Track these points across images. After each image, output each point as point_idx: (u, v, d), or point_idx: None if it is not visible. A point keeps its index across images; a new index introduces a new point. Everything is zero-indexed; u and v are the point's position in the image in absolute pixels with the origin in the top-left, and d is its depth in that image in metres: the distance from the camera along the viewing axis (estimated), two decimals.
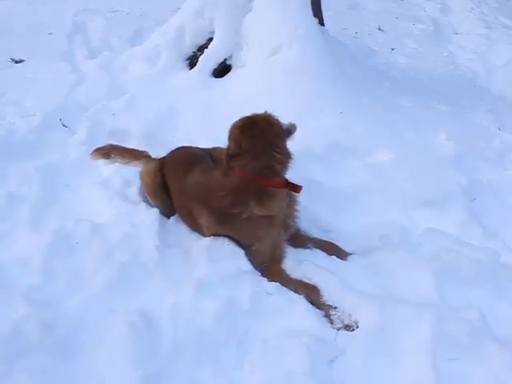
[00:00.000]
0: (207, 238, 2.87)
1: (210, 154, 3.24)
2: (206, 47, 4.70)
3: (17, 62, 5.34)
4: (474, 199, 3.57)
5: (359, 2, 7.94)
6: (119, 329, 2.35)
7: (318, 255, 2.92)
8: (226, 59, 4.59)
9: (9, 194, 3.27)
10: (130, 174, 3.48)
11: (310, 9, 4.54)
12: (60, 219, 3.07)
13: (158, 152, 3.42)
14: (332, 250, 2.95)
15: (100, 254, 2.76)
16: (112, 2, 7.10)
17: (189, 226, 3.00)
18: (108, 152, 3.67)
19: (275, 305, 2.54)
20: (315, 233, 3.07)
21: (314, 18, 4.57)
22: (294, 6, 4.37)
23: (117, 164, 3.61)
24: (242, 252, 2.84)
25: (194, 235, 2.96)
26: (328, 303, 2.56)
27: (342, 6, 7.47)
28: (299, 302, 2.56)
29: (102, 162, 3.69)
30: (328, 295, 2.60)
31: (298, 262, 2.81)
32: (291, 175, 3.44)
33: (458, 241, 3.08)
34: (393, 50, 6.19)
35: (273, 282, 2.67)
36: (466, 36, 7.25)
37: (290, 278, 2.69)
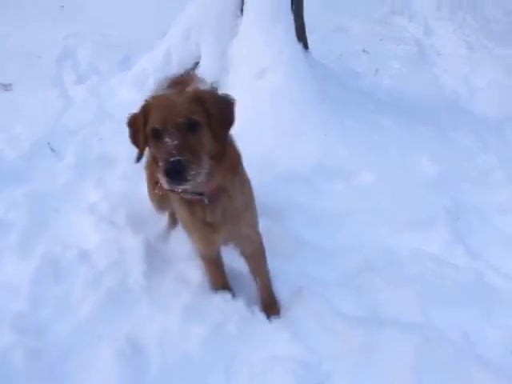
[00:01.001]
0: (194, 263, 2.90)
1: None
2: (193, 71, 4.78)
3: (5, 85, 5.36)
4: (458, 218, 3.62)
5: (344, 24, 8.06)
6: (107, 355, 2.38)
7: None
8: (212, 83, 4.66)
9: None
10: (118, 198, 3.50)
11: (294, 33, 4.63)
12: (48, 245, 3.08)
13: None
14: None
15: (87, 280, 2.79)
16: (101, 26, 7.16)
17: None
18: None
19: (262, 330, 2.57)
20: (299, 253, 3.10)
21: (298, 42, 4.66)
22: (278, 30, 4.46)
23: (104, 189, 3.63)
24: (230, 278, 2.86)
25: (182, 261, 2.97)
26: None
27: (327, 29, 7.58)
28: (285, 327, 2.58)
29: (90, 186, 3.72)
30: (315, 317, 2.63)
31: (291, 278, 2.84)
32: (276, 198, 3.51)
33: (443, 261, 3.12)
34: (377, 71, 6.28)
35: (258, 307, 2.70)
36: (448, 57, 7.37)
37: None
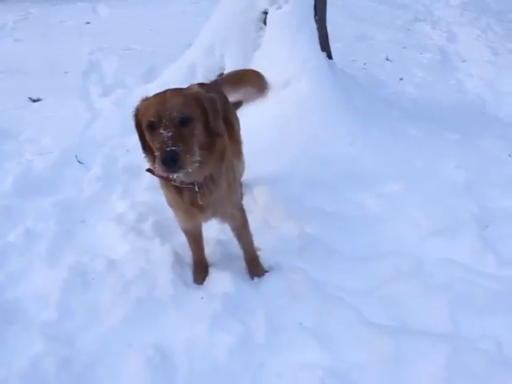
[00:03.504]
0: (221, 272, 2.91)
1: None
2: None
3: (34, 100, 5.50)
4: (487, 227, 3.55)
5: (367, 33, 8.06)
6: (135, 364, 2.39)
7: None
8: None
9: (26, 231, 3.36)
10: (145, 208, 3.55)
11: (318, 43, 4.65)
12: (76, 255, 3.13)
13: None
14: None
15: (116, 289, 2.82)
16: (125, 40, 7.31)
17: None
18: None
19: (290, 339, 2.54)
20: (327, 261, 3.09)
21: (321, 52, 4.67)
22: (301, 41, 4.48)
23: (131, 199, 3.68)
24: (256, 286, 2.88)
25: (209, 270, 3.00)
26: None
27: (351, 37, 7.61)
28: (313, 336, 2.55)
29: (116, 196, 3.78)
30: (344, 326, 2.61)
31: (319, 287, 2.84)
32: (302, 206, 3.51)
33: (472, 270, 3.06)
34: (401, 79, 6.26)
35: (286, 316, 2.69)
36: (473, 63, 7.30)
37: None
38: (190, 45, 5.50)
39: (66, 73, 6.24)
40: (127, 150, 4.33)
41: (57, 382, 2.33)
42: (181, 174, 2.24)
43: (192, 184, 2.43)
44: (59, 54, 6.90)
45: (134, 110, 2.35)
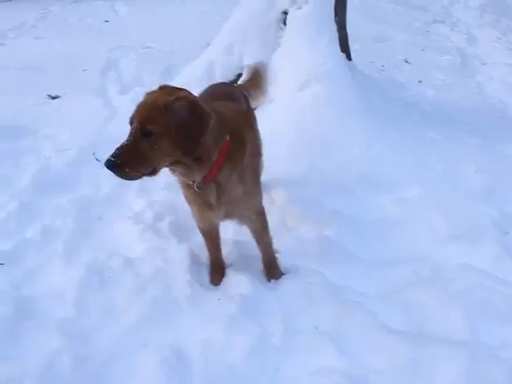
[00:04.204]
0: (238, 273, 2.89)
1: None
2: (236, 83, 4.81)
3: (53, 97, 5.53)
4: (507, 233, 3.50)
5: (385, 34, 8.00)
6: (151, 364, 2.38)
7: None
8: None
9: (44, 227, 3.37)
10: (162, 207, 3.54)
11: (338, 44, 4.62)
12: (93, 253, 3.13)
13: None
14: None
15: (132, 288, 2.81)
16: (144, 39, 7.34)
17: None
18: None
19: (306, 342, 2.52)
20: (345, 265, 3.07)
21: (341, 53, 4.64)
22: (321, 42, 4.46)
23: (148, 198, 3.68)
24: (273, 288, 2.85)
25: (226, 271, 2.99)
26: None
27: (369, 39, 7.55)
28: (331, 340, 2.53)
29: (133, 195, 3.78)
30: (361, 330, 2.58)
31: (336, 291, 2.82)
32: (320, 209, 3.48)
33: (491, 276, 3.01)
34: (420, 82, 6.20)
35: (303, 319, 2.67)
36: (493, 66, 7.21)
37: None
38: (209, 44, 5.50)
39: (84, 70, 6.27)
40: None
41: (72, 380, 2.32)
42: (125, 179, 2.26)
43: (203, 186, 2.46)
44: (78, 51, 6.94)
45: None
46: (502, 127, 5.10)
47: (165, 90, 2.32)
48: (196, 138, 2.21)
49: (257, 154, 3.18)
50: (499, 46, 8.04)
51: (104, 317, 2.67)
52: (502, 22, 9.20)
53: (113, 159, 2.10)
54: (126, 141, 2.14)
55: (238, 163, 2.51)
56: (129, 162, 2.12)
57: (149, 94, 2.31)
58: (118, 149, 2.12)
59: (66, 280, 2.89)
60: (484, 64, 7.38)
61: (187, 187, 2.55)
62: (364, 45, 6.98)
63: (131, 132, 2.16)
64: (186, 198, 2.68)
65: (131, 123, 2.18)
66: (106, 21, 8.80)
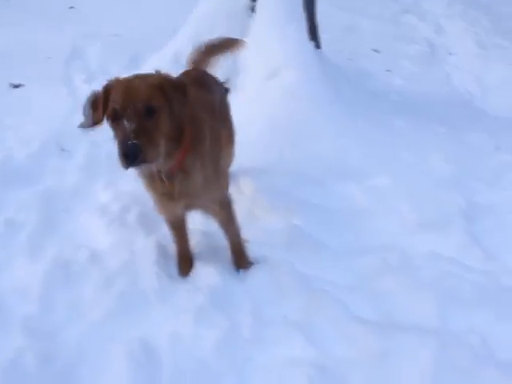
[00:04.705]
0: (207, 265, 2.86)
1: None
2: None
3: (15, 86, 5.37)
4: (474, 220, 3.56)
5: (355, 24, 8.00)
6: (119, 359, 2.34)
7: None
8: (223, 82, 4.62)
9: (6, 221, 3.26)
10: (130, 198, 3.47)
11: (306, 33, 4.59)
12: (58, 246, 3.04)
13: None
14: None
15: (99, 282, 2.74)
16: (110, 26, 7.16)
17: None
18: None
19: (276, 333, 2.51)
20: (314, 255, 3.06)
21: (310, 41, 4.62)
22: (290, 30, 4.43)
23: (115, 189, 3.60)
24: (242, 279, 2.83)
25: (194, 263, 2.95)
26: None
27: (338, 28, 7.53)
28: (300, 331, 2.52)
29: (100, 186, 3.70)
30: (331, 321, 2.59)
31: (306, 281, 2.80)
32: (289, 199, 3.47)
33: (459, 264, 3.06)
34: (388, 71, 6.24)
35: (272, 310, 2.65)
36: (461, 57, 7.31)
37: None
38: (176, 32, 5.40)
39: (48, 58, 6.09)
40: (111, 138, 4.23)
41: (38, 378, 2.25)
42: (142, 168, 2.23)
43: (159, 172, 2.37)
44: (42, 39, 6.73)
45: (104, 85, 2.24)
46: (469, 116, 5.18)
47: (136, 74, 2.27)
48: (184, 111, 2.25)
49: (227, 143, 3.16)
50: (467, 37, 8.15)
51: (70, 312, 2.60)
52: (469, 13, 9.31)
53: (133, 142, 1.99)
54: (131, 125, 2.04)
55: (200, 152, 2.47)
56: (148, 141, 2.06)
57: (125, 80, 2.21)
58: (127, 135, 2.01)
59: (31, 275, 2.80)
60: (451, 54, 7.48)
61: (149, 177, 2.47)
62: (333, 34, 6.94)
63: (133, 114, 2.06)
64: (148, 188, 2.58)
65: (126, 107, 2.06)
66: (72, 7, 8.56)
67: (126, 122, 2.05)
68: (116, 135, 2.13)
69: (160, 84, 2.17)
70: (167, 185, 2.42)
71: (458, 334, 2.55)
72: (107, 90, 2.20)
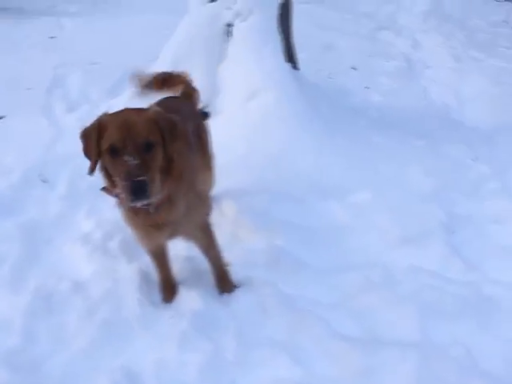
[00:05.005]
0: (190, 289, 2.87)
1: None
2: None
3: None
4: (454, 232, 3.60)
5: (333, 42, 8.11)
6: None
7: None
8: (203, 107, 4.67)
9: None
10: (111, 226, 3.47)
11: (282, 54, 4.67)
12: (41, 277, 3.04)
13: None
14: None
15: (82, 312, 2.75)
16: (91, 54, 7.19)
17: None
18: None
19: (260, 355, 2.52)
20: (297, 274, 3.07)
21: (286, 62, 4.69)
22: (266, 52, 4.50)
23: (97, 218, 3.60)
24: (226, 302, 2.84)
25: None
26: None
27: (317, 47, 7.62)
28: (284, 351, 2.53)
29: (82, 215, 3.70)
30: (314, 340, 2.60)
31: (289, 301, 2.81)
32: (270, 219, 3.49)
33: (440, 276, 3.10)
34: (367, 88, 6.32)
35: (257, 332, 2.66)
36: (437, 70, 7.41)
37: None
38: (157, 58, 5.45)
39: (29, 89, 6.11)
40: None
41: None
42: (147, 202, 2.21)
43: (147, 205, 2.33)
44: (23, 69, 6.75)
45: (94, 124, 2.23)
46: (446, 129, 5.25)
47: (127, 109, 2.28)
48: (174, 147, 2.28)
49: (206, 169, 3.18)
50: (442, 50, 8.29)
51: (54, 343, 2.60)
52: (444, 27, 9.49)
53: (140, 179, 2.03)
54: (135, 161, 2.06)
55: (181, 181, 2.47)
56: (151, 176, 2.10)
57: (120, 115, 2.21)
58: (131, 171, 2.04)
59: (13, 307, 2.80)
60: (428, 67, 7.58)
61: (131, 210, 2.44)
62: (312, 53, 7.05)
63: (134, 149, 2.08)
64: (127, 220, 2.56)
65: (125, 145, 2.08)
66: (52, 37, 8.61)
67: (128, 158, 2.06)
68: (116, 172, 2.13)
69: (156, 119, 2.22)
70: (153, 216, 2.41)
71: (440, 346, 2.58)
72: (100, 126, 2.19)
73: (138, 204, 2.21)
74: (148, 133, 2.14)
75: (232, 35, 4.88)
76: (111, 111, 2.30)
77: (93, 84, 6.10)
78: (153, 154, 2.15)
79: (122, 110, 2.26)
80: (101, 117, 2.24)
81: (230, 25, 4.87)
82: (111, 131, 2.13)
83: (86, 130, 2.27)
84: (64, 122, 5.19)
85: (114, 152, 2.11)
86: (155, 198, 2.21)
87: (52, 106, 5.66)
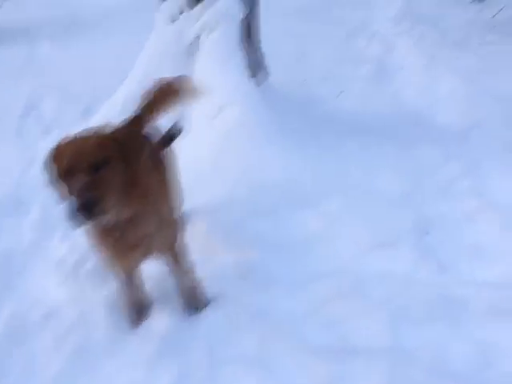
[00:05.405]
0: (159, 309, 2.86)
1: None
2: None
3: None
4: (427, 233, 3.62)
5: (305, 50, 8.16)
6: None
7: None
8: (174, 123, 4.68)
9: None
10: (85, 250, 3.45)
11: (248, 68, 4.70)
12: (13, 307, 3.02)
13: None
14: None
15: (53, 340, 2.74)
16: (65, 79, 7.21)
17: None
18: None
19: (233, 372, 2.52)
20: (269, 286, 3.09)
21: (252, 76, 4.72)
22: (230, 66, 4.52)
23: (72, 242, 3.60)
24: (196, 319, 2.84)
25: None
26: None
27: (289, 56, 7.63)
28: (256, 365, 2.55)
29: (56, 240, 3.69)
30: (287, 352, 2.61)
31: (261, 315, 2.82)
32: (244, 234, 3.51)
33: (411, 280, 3.11)
34: (340, 94, 6.35)
35: (228, 348, 2.66)
36: (410, 72, 7.44)
37: None
38: (126, 77, 5.48)
39: (2, 113, 6.11)
40: None
41: None
42: (98, 221, 2.20)
43: (114, 226, 2.37)
44: None
45: (47, 158, 2.24)
46: (417, 130, 5.27)
47: (85, 134, 2.28)
48: (138, 161, 2.31)
49: (171, 187, 3.18)
50: (415, 51, 8.33)
51: (24, 374, 2.60)
52: (417, 28, 9.53)
53: (86, 196, 2.03)
54: (82, 181, 2.07)
55: (147, 196, 2.48)
56: (100, 194, 2.08)
57: (70, 141, 2.22)
58: (79, 191, 2.04)
59: None
60: (401, 69, 7.63)
61: (101, 233, 2.44)
62: (284, 62, 7.06)
63: (83, 171, 2.09)
64: (101, 244, 2.53)
65: (72, 169, 2.10)
66: (27, 63, 8.62)
67: (76, 179, 2.08)
68: (71, 194, 2.13)
69: (110, 137, 2.24)
70: (123, 235, 2.41)
71: (410, 350, 2.60)
72: (53, 156, 2.22)
73: (90, 221, 2.15)
74: (96, 152, 2.14)
75: (198, 49, 4.91)
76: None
77: (66, 108, 6.11)
78: (104, 173, 2.15)
79: (74, 135, 2.27)
80: (54, 146, 2.26)
81: (198, 37, 4.90)
82: (61, 157, 2.16)
83: (44, 161, 2.28)
84: (38, 148, 5.18)
85: (66, 177, 2.13)
86: (114, 215, 2.22)
87: (26, 131, 5.67)
